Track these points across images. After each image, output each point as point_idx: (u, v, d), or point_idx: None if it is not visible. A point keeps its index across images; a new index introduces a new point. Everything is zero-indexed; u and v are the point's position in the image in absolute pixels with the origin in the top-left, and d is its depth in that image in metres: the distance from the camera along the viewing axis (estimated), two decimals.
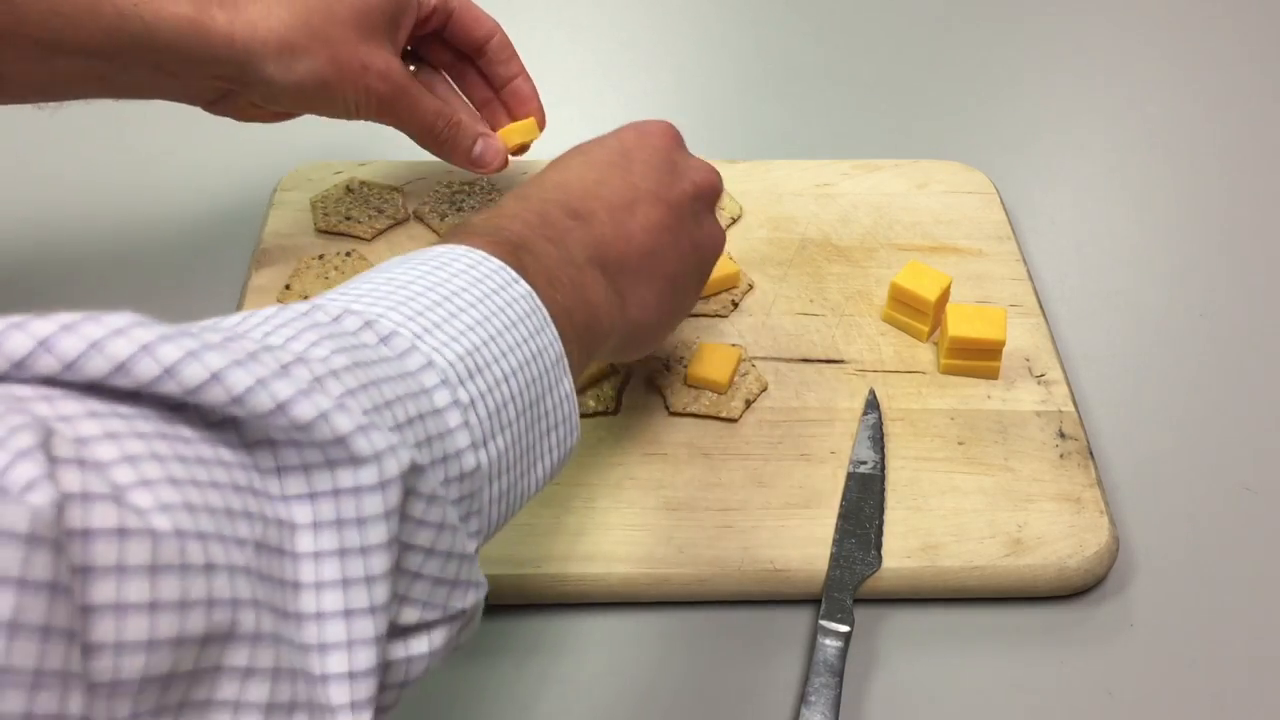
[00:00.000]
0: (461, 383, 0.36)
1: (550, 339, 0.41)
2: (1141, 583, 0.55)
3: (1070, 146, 0.80)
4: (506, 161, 0.65)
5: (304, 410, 0.30)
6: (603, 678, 0.51)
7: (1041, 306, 0.65)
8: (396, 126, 0.62)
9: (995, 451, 0.58)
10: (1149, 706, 0.51)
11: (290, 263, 0.67)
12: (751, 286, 0.66)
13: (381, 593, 0.31)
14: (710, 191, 0.55)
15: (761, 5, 0.94)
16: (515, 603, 0.53)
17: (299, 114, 0.63)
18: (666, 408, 0.59)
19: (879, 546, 0.53)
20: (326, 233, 0.69)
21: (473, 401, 0.36)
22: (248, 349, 0.31)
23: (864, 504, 0.55)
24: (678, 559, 0.53)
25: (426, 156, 0.72)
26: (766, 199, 0.72)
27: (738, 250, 0.68)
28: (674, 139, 0.55)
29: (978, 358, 0.61)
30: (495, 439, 0.37)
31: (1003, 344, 0.60)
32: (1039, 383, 0.61)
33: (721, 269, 0.65)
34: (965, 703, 0.51)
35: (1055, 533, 0.54)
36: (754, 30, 0.91)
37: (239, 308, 0.64)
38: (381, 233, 0.69)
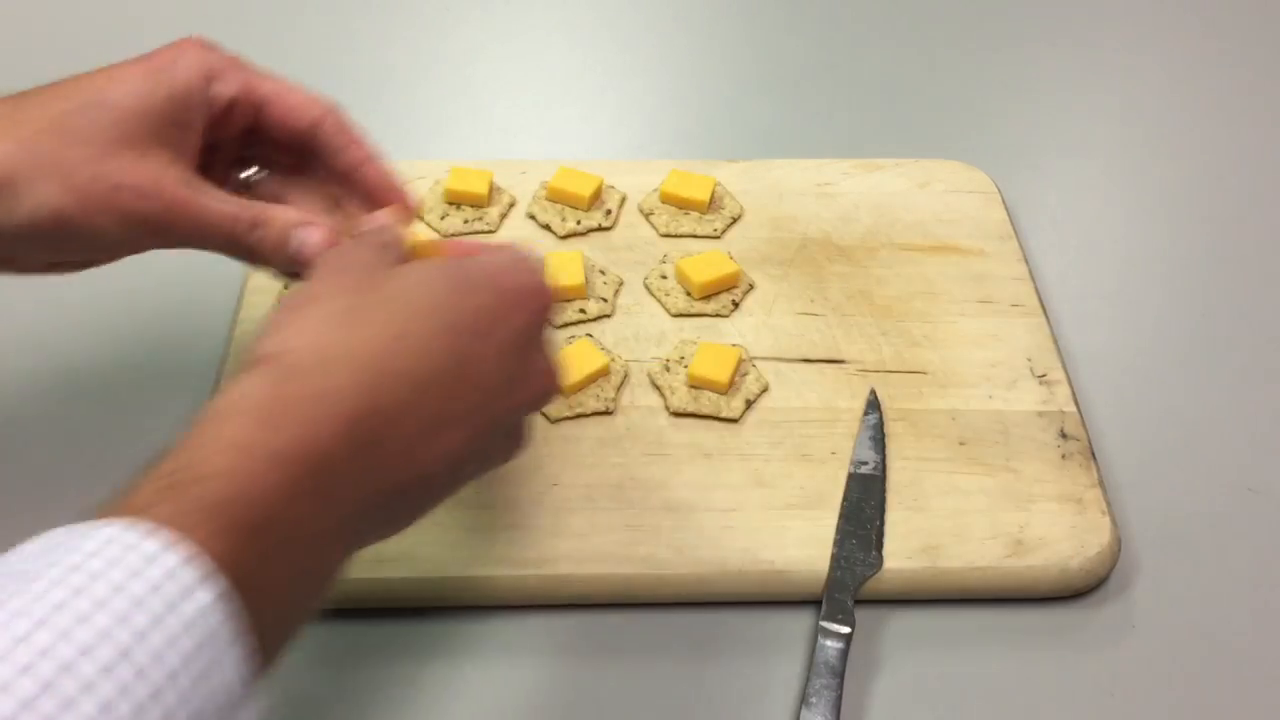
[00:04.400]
0: None
1: (230, 671, 0.32)
2: (1143, 584, 0.55)
3: (1072, 146, 0.80)
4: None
5: None
6: (604, 678, 0.51)
7: (1043, 306, 0.65)
8: (198, 247, 0.50)
9: (997, 452, 0.57)
10: (1150, 708, 0.50)
11: None
12: (752, 286, 0.66)
13: None
14: (537, 407, 0.46)
15: (761, 5, 0.93)
16: (518, 604, 0.53)
17: (73, 263, 0.52)
18: (666, 408, 0.59)
19: (880, 547, 0.53)
20: None
21: None
22: None
23: (865, 505, 0.55)
24: (678, 559, 0.53)
25: (426, 156, 0.72)
26: (767, 199, 0.72)
27: (738, 250, 0.68)
28: (543, 319, 0.46)
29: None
30: None
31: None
32: (1041, 383, 0.61)
33: (722, 269, 0.65)
34: (966, 704, 0.50)
35: (1057, 533, 0.54)
36: (754, 30, 0.91)
37: (238, 307, 0.64)
38: None
